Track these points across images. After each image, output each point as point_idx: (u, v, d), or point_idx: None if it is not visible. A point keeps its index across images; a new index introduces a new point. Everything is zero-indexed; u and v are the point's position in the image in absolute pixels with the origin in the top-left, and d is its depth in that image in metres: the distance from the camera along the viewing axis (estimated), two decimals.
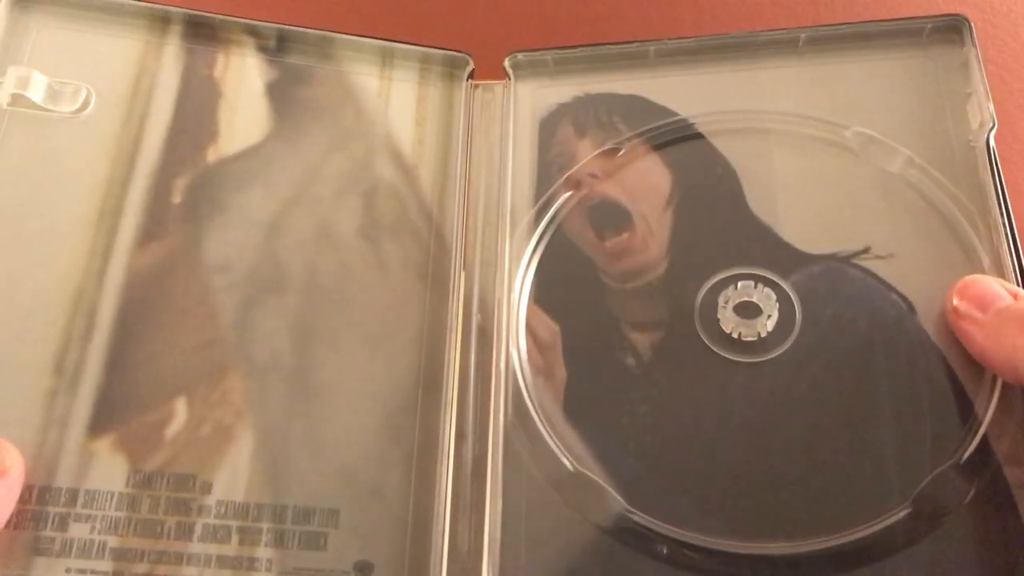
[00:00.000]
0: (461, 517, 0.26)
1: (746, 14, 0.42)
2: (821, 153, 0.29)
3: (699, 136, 0.30)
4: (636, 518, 0.25)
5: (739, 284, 0.27)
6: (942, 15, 0.29)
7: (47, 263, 0.27)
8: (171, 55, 0.31)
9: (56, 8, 0.31)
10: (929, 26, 0.29)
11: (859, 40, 0.30)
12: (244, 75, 0.31)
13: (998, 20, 0.47)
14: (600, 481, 0.26)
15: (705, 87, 0.30)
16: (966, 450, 0.24)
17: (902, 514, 0.24)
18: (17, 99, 0.29)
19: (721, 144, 0.30)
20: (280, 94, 0.31)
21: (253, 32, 0.32)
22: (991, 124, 0.27)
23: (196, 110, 0.30)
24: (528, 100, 0.32)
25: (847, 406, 0.25)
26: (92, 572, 0.24)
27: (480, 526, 0.26)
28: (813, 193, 0.28)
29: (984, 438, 0.24)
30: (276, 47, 0.32)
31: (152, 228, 0.28)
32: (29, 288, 0.27)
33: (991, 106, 0.27)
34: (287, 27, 0.32)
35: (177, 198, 0.29)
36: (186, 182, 0.29)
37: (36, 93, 0.29)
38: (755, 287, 0.27)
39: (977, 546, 0.23)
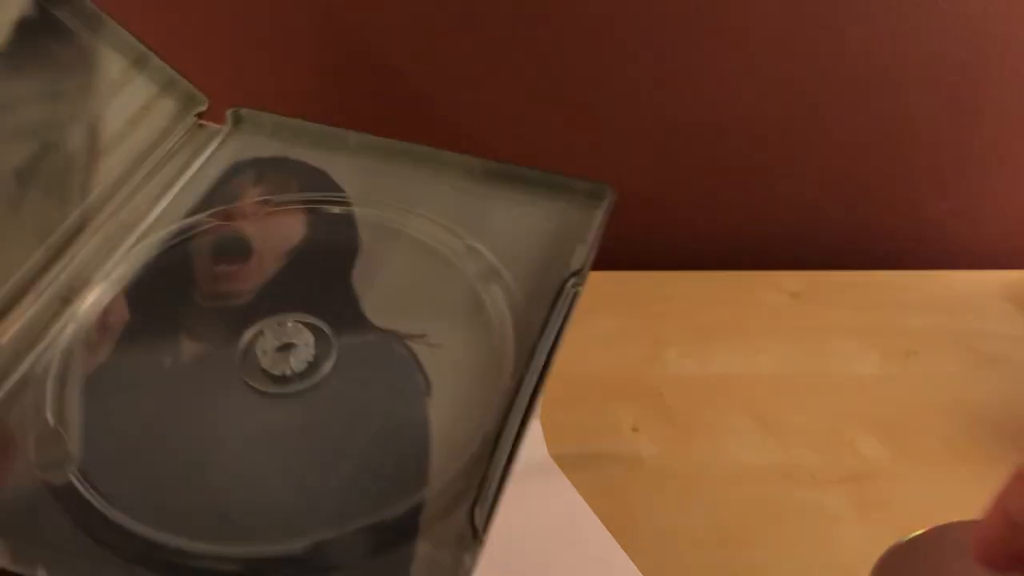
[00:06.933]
0: None
1: None
2: (436, 254, 0.32)
3: (350, 212, 0.33)
4: (77, 483, 0.26)
5: (290, 324, 0.30)
6: (593, 181, 0.33)
7: None
8: None
9: None
10: (582, 187, 0.33)
11: (525, 182, 0.34)
12: (5, 1, 0.31)
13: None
14: (67, 440, 0.27)
15: (383, 179, 0.34)
16: (396, 514, 0.25)
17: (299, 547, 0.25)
18: None
19: (363, 223, 0.33)
20: (29, 31, 0.31)
21: None
22: (578, 271, 0.31)
23: None
24: (234, 149, 0.35)
25: (328, 449, 0.27)
26: None
27: None
28: (411, 283, 0.32)
29: (416, 509, 0.25)
30: None
31: None
32: None
33: (589, 256, 0.31)
34: None
35: None
36: None
37: None
38: (303, 332, 0.29)
39: None
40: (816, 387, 0.46)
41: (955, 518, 0.41)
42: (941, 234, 0.57)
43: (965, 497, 0.41)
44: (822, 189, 0.55)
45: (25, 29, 0.31)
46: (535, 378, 0.27)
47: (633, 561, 0.37)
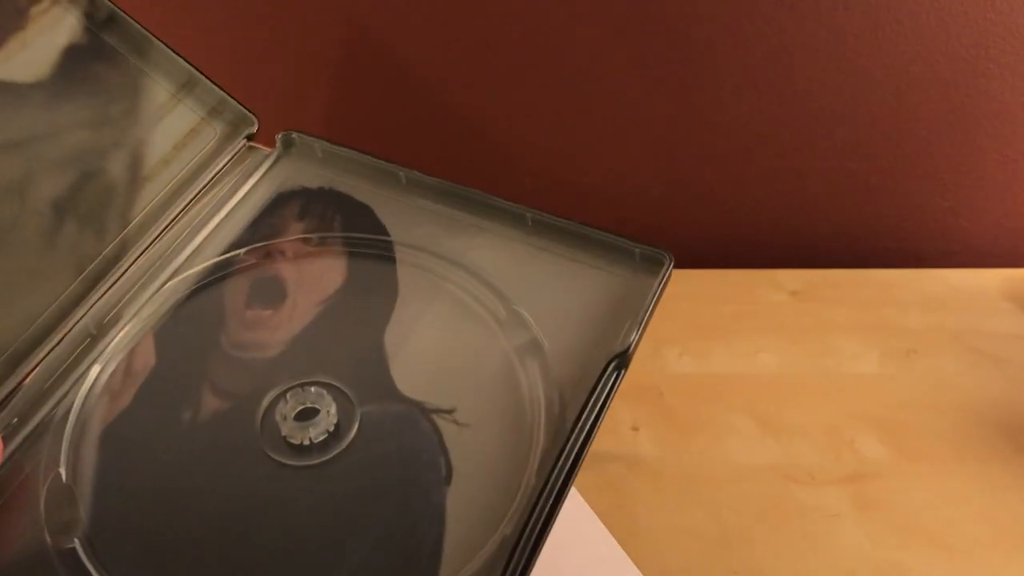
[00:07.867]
0: None
1: None
2: (476, 317, 0.30)
3: (392, 259, 0.31)
4: (82, 550, 0.25)
5: (313, 389, 0.28)
6: (651, 246, 0.29)
7: None
8: None
9: None
10: (638, 251, 0.30)
11: (577, 238, 0.31)
12: (55, 27, 0.30)
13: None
14: (78, 500, 0.26)
15: (430, 222, 0.32)
16: None
17: None
18: None
19: (403, 274, 0.31)
20: (75, 57, 0.31)
21: (91, 2, 0.31)
22: (622, 354, 0.27)
23: None
24: (281, 175, 0.34)
25: (338, 535, 0.25)
26: None
27: None
28: (445, 347, 0.29)
29: None
30: (101, 22, 0.31)
31: None
32: None
33: (638, 336, 0.27)
34: (121, 12, 0.32)
35: None
36: None
37: None
38: (326, 397, 0.28)
39: None
40: (816, 386, 0.46)
41: (955, 517, 0.41)
42: (941, 233, 0.58)
43: (965, 497, 0.42)
44: (822, 188, 0.55)
45: (74, 55, 0.31)
46: (563, 476, 0.24)
47: (633, 561, 0.37)
